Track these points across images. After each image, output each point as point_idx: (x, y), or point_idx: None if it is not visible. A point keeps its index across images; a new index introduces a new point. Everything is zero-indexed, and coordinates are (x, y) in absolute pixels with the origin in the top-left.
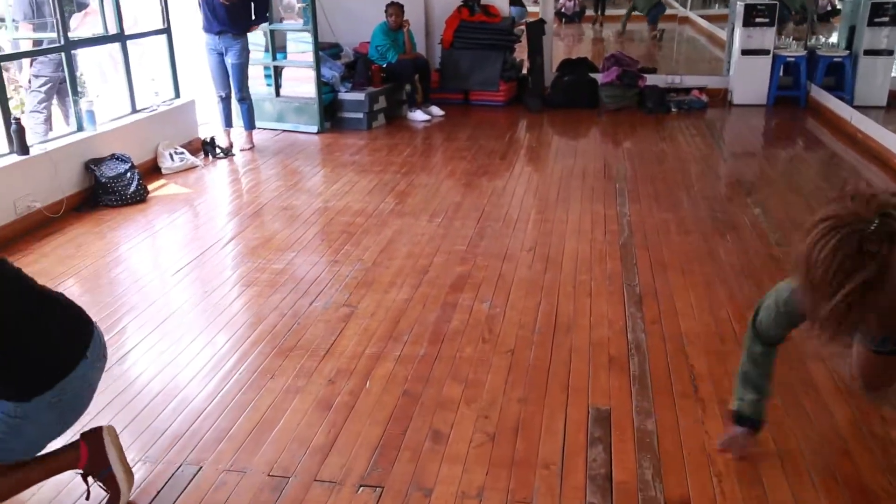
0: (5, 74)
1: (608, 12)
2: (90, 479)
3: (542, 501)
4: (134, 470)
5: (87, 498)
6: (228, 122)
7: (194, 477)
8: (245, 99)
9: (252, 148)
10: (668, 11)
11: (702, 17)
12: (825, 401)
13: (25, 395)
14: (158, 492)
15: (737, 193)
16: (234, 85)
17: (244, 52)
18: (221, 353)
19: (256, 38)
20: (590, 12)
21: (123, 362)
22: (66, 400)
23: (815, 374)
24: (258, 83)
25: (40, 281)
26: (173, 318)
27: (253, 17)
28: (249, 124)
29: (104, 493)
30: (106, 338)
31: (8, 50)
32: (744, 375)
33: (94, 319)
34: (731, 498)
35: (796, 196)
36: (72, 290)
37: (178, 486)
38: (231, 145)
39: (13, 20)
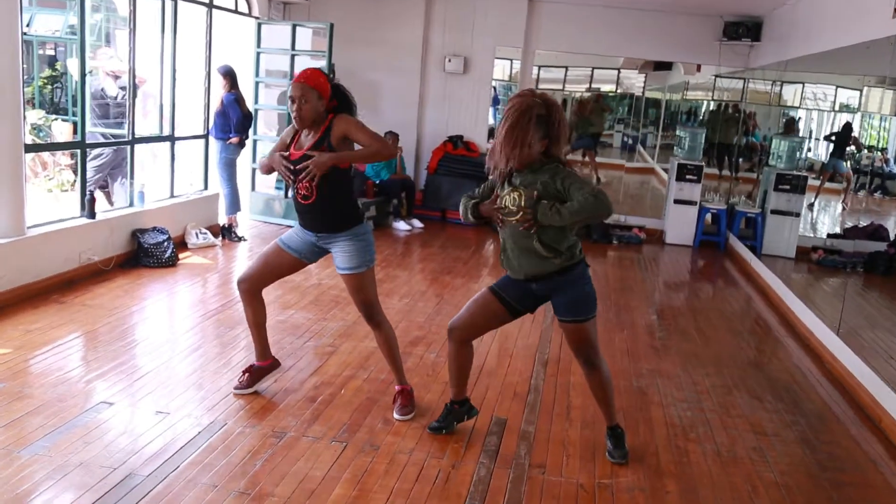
0: (52, 158)
1: (570, 157)
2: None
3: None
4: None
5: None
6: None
7: (221, 429)
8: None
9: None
10: (641, 164)
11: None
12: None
13: None
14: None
15: (643, 305)
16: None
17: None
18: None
19: None
20: None
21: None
22: None
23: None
24: (271, 187)
25: (99, 312)
26: (206, 342)
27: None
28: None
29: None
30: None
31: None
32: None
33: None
34: (573, 467)
35: (687, 311)
36: (125, 320)
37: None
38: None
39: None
